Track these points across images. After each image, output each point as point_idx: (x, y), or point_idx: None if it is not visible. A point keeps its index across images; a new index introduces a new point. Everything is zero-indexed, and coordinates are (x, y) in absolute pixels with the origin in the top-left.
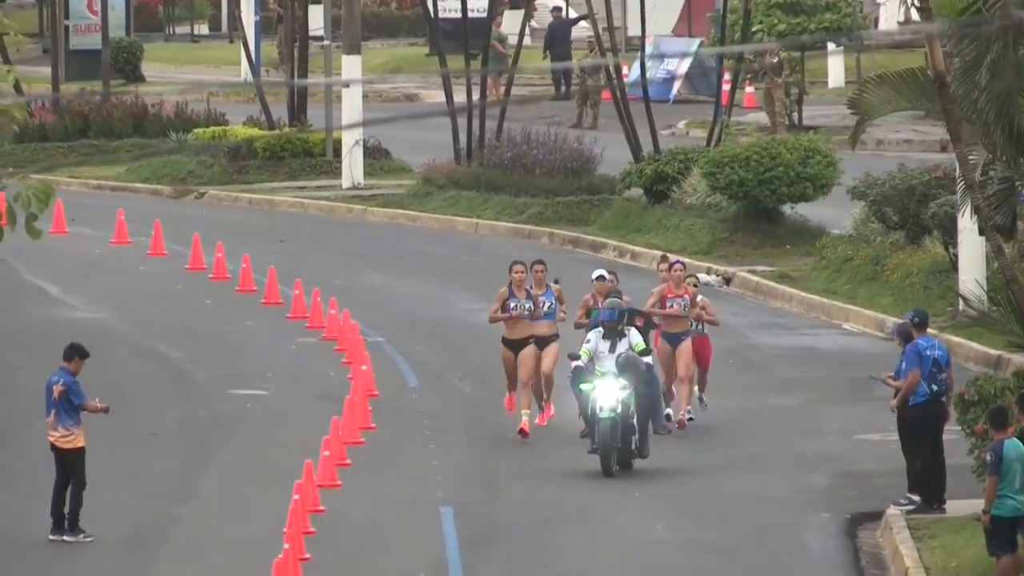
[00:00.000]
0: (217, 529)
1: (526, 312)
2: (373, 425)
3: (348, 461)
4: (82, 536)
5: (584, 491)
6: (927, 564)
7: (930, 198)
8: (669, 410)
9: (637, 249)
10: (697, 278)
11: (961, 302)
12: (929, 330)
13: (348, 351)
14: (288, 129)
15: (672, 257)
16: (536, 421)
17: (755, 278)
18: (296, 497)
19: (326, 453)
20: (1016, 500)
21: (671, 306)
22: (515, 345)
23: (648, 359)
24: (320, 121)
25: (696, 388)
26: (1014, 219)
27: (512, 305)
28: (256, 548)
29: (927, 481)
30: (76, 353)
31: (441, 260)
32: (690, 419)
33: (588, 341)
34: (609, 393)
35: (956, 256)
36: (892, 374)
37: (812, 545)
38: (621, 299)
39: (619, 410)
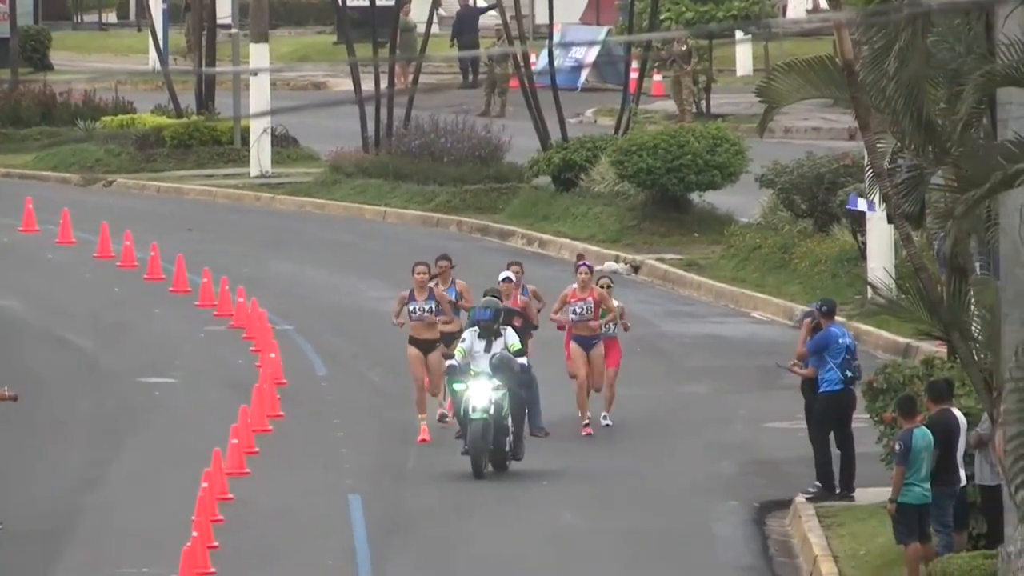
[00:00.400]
0: (126, 517)
1: (426, 314)
2: (281, 413)
3: (256, 449)
4: None
5: (493, 482)
6: (835, 552)
7: (838, 186)
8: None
9: (545, 237)
10: (611, 279)
11: (869, 290)
12: (837, 318)
13: (256, 339)
14: (196, 117)
15: (583, 259)
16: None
17: (663, 266)
18: (204, 485)
19: (234, 441)
20: (922, 488)
21: (574, 310)
22: (422, 345)
23: (523, 360)
24: (228, 109)
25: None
26: (922, 207)
27: (412, 308)
28: (165, 536)
29: (831, 469)
30: None
31: (349, 248)
32: (606, 425)
33: (463, 340)
34: (482, 393)
35: (864, 244)
36: (798, 363)
37: (721, 532)
38: (501, 300)
39: (492, 411)
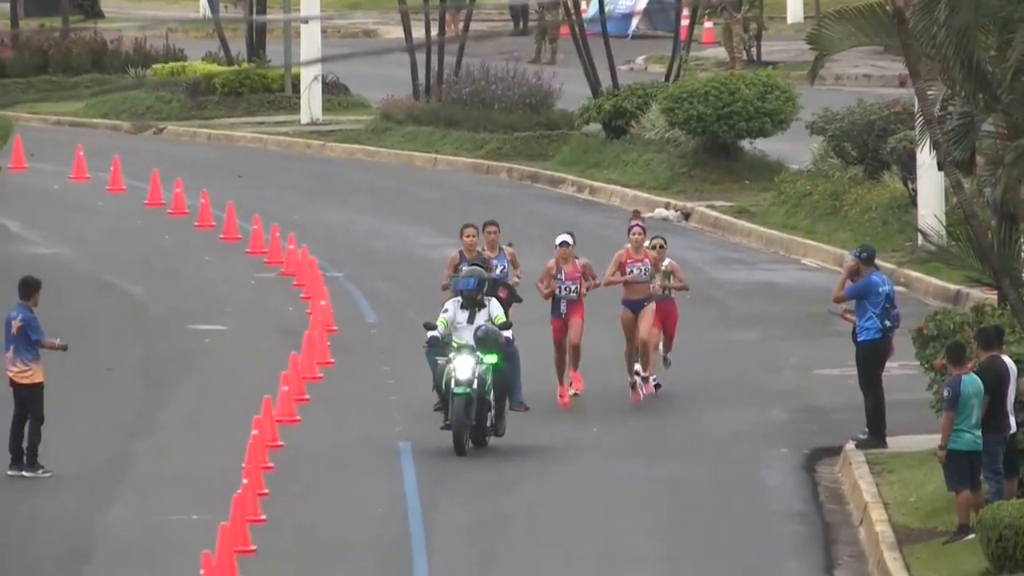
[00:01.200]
0: (176, 464)
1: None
2: (332, 360)
3: (307, 396)
4: (40, 471)
5: (543, 428)
6: (886, 499)
7: (889, 133)
8: (637, 370)
9: (596, 184)
10: (664, 240)
11: (920, 237)
12: (887, 265)
13: (307, 286)
14: (247, 65)
15: (637, 217)
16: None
17: (714, 213)
18: (255, 432)
19: (285, 388)
20: (973, 435)
21: (631, 271)
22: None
23: (508, 333)
24: (279, 57)
25: (661, 349)
26: (973, 154)
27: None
28: (215, 483)
29: (883, 416)
30: (31, 287)
31: (399, 195)
32: (657, 385)
33: (446, 311)
34: (466, 367)
35: (915, 191)
36: (850, 309)
37: (771, 480)
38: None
39: (475, 385)
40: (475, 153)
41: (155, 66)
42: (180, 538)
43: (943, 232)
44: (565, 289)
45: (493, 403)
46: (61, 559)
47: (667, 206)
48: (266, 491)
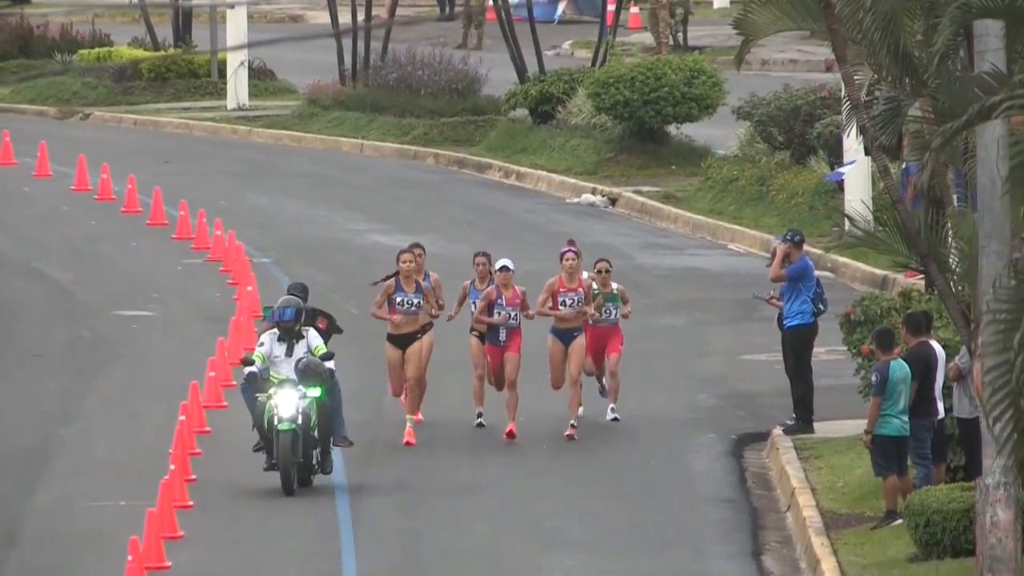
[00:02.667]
0: (103, 450)
1: (414, 308)
2: None
3: (233, 382)
4: None
5: (467, 415)
6: (813, 484)
7: (815, 118)
8: (573, 423)
9: (523, 170)
10: (609, 263)
11: (847, 222)
12: (814, 250)
13: (234, 272)
14: (173, 50)
15: (572, 245)
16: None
17: (640, 198)
18: (182, 418)
19: (212, 374)
20: (900, 420)
21: (563, 302)
22: (401, 341)
23: (331, 364)
24: (205, 42)
25: (599, 376)
26: (899, 139)
27: (399, 300)
28: (142, 469)
29: (811, 401)
30: None
31: (327, 181)
32: (614, 419)
33: (262, 344)
34: (289, 402)
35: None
36: (775, 294)
37: (698, 465)
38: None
39: (300, 421)
40: (402, 139)
41: (81, 51)
42: (107, 524)
43: (870, 217)
44: (506, 315)
45: (318, 439)
46: None
47: (594, 191)
48: (193, 477)
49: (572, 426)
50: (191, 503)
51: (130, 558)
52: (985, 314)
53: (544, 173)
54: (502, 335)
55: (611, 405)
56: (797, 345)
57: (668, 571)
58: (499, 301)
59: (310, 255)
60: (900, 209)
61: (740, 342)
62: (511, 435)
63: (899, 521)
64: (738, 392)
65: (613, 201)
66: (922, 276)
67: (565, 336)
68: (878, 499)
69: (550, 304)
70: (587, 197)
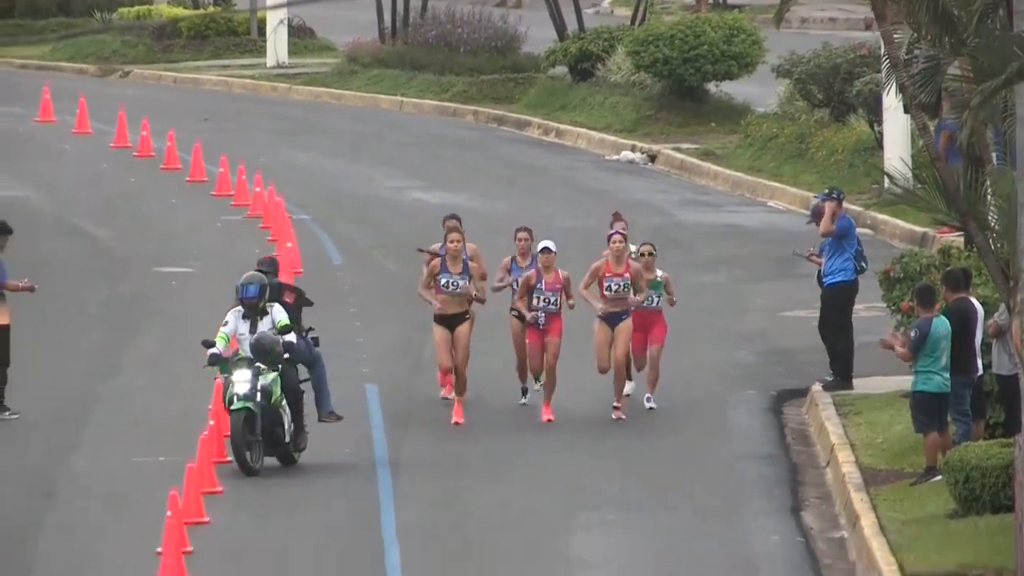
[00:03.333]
0: (141, 406)
1: (459, 289)
2: None
3: None
4: (7, 414)
5: (508, 370)
6: (852, 440)
7: (855, 76)
8: (628, 390)
9: (562, 127)
10: (653, 247)
11: (886, 180)
12: (853, 207)
13: (273, 228)
14: (213, 8)
15: (619, 219)
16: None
17: (680, 155)
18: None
19: None
20: (942, 377)
21: (608, 287)
22: (449, 321)
23: (291, 337)
24: (244, 1)
25: (637, 372)
26: (939, 97)
27: (443, 281)
28: (181, 425)
29: (851, 358)
30: None
31: (365, 138)
32: (650, 408)
33: (226, 323)
34: (244, 381)
35: (881, 134)
36: (815, 251)
37: (738, 422)
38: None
39: (259, 398)
40: (441, 96)
41: (121, 10)
42: (146, 479)
43: (909, 175)
44: (544, 300)
45: (289, 416)
46: (27, 501)
47: (633, 148)
48: None
49: (616, 407)
50: (229, 459)
51: (169, 513)
52: None
53: (583, 130)
54: (541, 319)
55: (647, 395)
56: (839, 301)
57: (707, 527)
58: (539, 285)
59: (349, 211)
60: (939, 167)
61: (779, 299)
62: (549, 420)
63: (938, 477)
64: (777, 348)
65: (652, 158)
66: (958, 233)
67: (612, 319)
68: (917, 455)
69: (595, 291)
70: (626, 154)
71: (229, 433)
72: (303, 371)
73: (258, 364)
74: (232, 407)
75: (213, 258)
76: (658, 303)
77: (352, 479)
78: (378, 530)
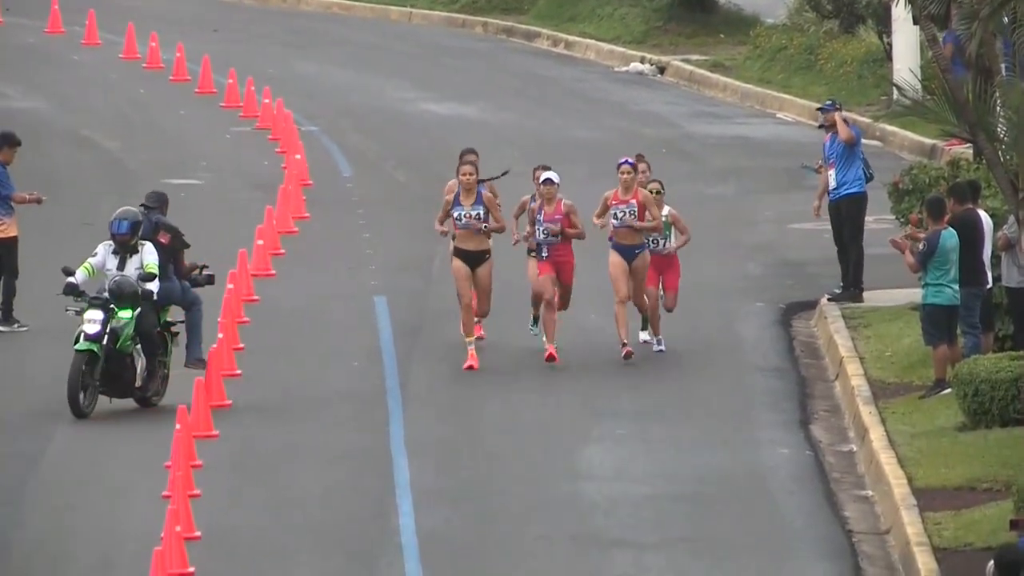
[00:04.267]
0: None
1: (474, 221)
2: (307, 214)
3: (282, 250)
4: (16, 325)
5: (518, 281)
6: (861, 353)
7: None
8: (644, 335)
9: (571, 38)
10: (661, 184)
11: (895, 91)
12: (861, 119)
13: (282, 140)
14: None
15: (641, 160)
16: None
17: (689, 67)
18: (230, 286)
19: (260, 242)
20: (952, 289)
21: (614, 215)
22: (469, 258)
23: (153, 285)
24: None
25: (651, 313)
26: (948, 8)
27: (455, 214)
28: None
29: (861, 269)
30: (4, 142)
31: (375, 49)
32: (659, 350)
33: (95, 254)
34: (94, 321)
35: (890, 45)
36: (823, 163)
37: (746, 334)
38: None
39: (104, 342)
40: (450, 7)
41: None
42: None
43: (918, 86)
44: (544, 232)
45: (143, 360)
46: (34, 414)
47: (642, 60)
48: (241, 345)
49: (624, 344)
50: (239, 371)
51: (178, 426)
52: None
53: (593, 42)
54: (544, 251)
55: (657, 336)
56: (852, 213)
57: (716, 439)
58: (538, 216)
59: (358, 123)
60: (948, 78)
61: (788, 211)
62: (551, 357)
63: (948, 390)
64: (786, 260)
65: (662, 70)
66: (966, 144)
67: (626, 252)
68: (926, 368)
69: (603, 219)
70: (636, 66)
71: (70, 373)
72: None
73: (112, 306)
74: (77, 346)
75: (222, 170)
76: (666, 245)
77: (361, 391)
78: (387, 442)
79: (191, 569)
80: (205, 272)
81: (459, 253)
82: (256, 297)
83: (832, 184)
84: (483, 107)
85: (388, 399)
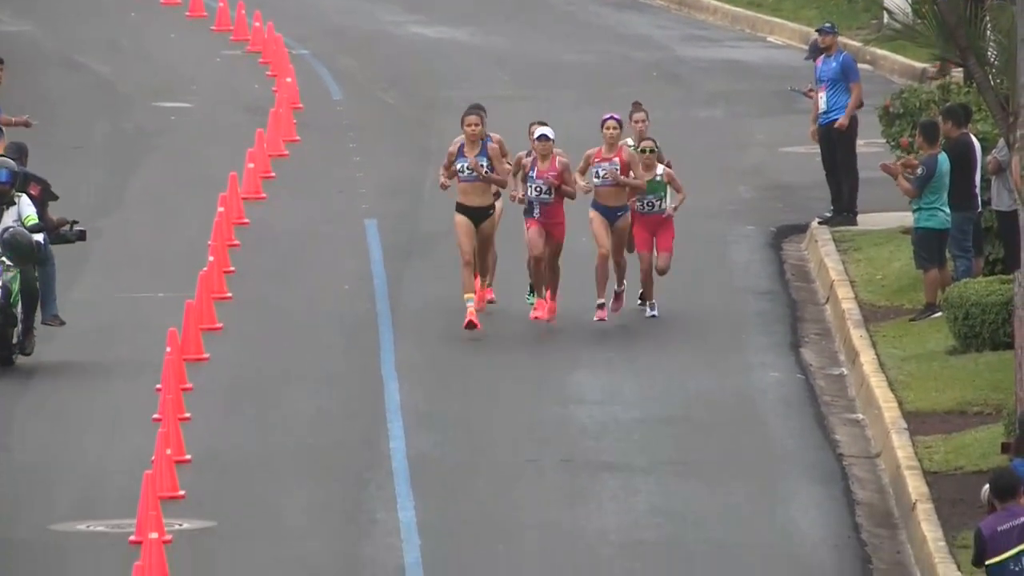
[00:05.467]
0: (142, 242)
1: (478, 176)
2: (298, 138)
3: (273, 174)
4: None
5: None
6: (852, 276)
7: None
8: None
9: None
10: (655, 142)
11: (886, 15)
12: (852, 43)
13: (273, 63)
14: None
15: (639, 108)
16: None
17: None
18: (221, 209)
19: (251, 165)
20: (944, 213)
21: (595, 173)
22: (472, 213)
23: (39, 236)
24: None
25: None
26: None
27: (458, 166)
28: (181, 260)
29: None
30: None
31: None
32: (652, 315)
33: None
34: None
35: None
36: (812, 86)
37: (737, 257)
38: None
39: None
40: None
41: None
42: (146, 315)
43: (909, 10)
44: (536, 189)
45: (21, 317)
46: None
47: None
48: (232, 268)
49: (600, 306)
50: (230, 295)
51: (168, 349)
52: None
53: None
54: (536, 210)
55: (650, 301)
56: (843, 137)
57: (706, 361)
58: (531, 173)
59: (348, 46)
60: (939, 2)
61: (779, 134)
62: (537, 317)
63: (938, 314)
64: (777, 184)
65: None
66: (956, 69)
67: (608, 213)
68: (916, 291)
69: (582, 178)
70: None
71: None
72: None
73: (2, 259)
74: None
75: (213, 93)
76: (659, 208)
77: (351, 315)
78: (377, 366)
79: (182, 492)
80: (75, 228)
81: (461, 208)
82: (247, 220)
83: (822, 108)
84: (473, 31)
85: (379, 323)
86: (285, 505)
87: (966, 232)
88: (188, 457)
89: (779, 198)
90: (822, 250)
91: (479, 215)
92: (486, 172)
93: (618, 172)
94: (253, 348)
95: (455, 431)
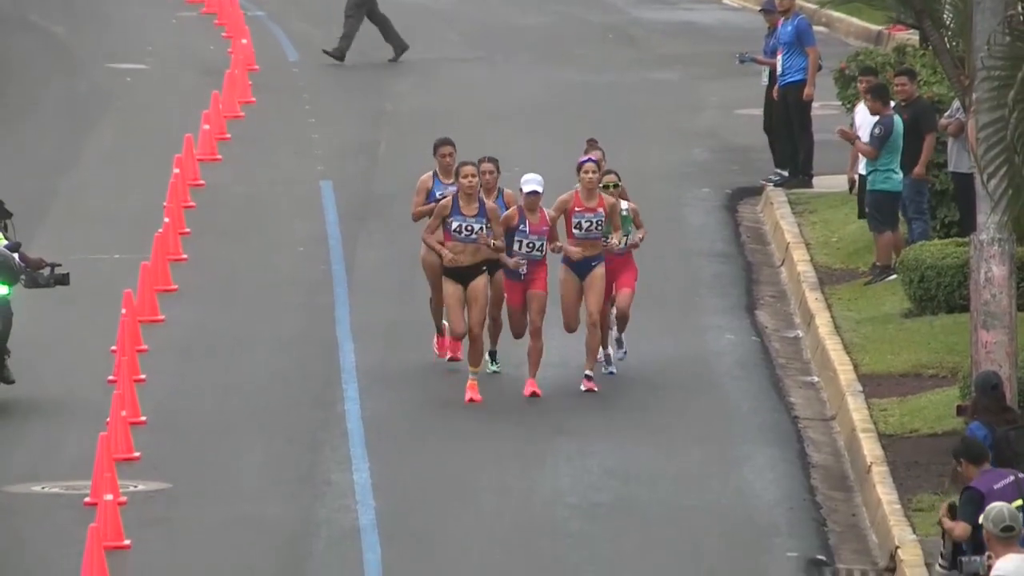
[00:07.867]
0: (97, 203)
1: (473, 236)
2: (253, 99)
3: (228, 135)
4: None
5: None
6: (807, 239)
7: None
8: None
9: None
10: (618, 176)
11: None
12: (809, 5)
13: (228, 25)
14: None
15: (594, 147)
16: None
17: None
18: (176, 171)
19: (206, 127)
20: (898, 175)
21: (577, 225)
22: (460, 275)
23: (15, 254)
24: None
25: (613, 328)
26: None
27: (455, 225)
28: (136, 221)
29: (811, 156)
30: None
31: None
32: (609, 373)
33: None
34: None
35: None
36: (761, 54)
37: (692, 219)
38: None
39: None
40: None
41: None
42: (102, 276)
43: None
44: (528, 245)
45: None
46: None
47: None
48: (187, 230)
49: (588, 377)
50: (185, 256)
51: (124, 311)
52: (979, 71)
53: None
54: (523, 268)
55: (617, 336)
56: (798, 100)
57: (661, 326)
58: (522, 228)
59: (305, 8)
60: None
61: (734, 96)
62: (534, 394)
63: (893, 276)
64: (732, 146)
65: None
66: (911, 30)
67: (581, 266)
68: (871, 254)
69: (563, 238)
70: None
71: None
72: None
73: None
74: None
75: (168, 55)
76: (624, 245)
77: (307, 276)
78: (332, 327)
79: (137, 453)
80: (57, 271)
81: (451, 273)
82: (202, 182)
83: (778, 70)
84: None
85: (334, 284)
86: (240, 466)
87: (922, 194)
88: (143, 419)
89: (734, 160)
90: (777, 212)
91: (470, 275)
92: (493, 242)
93: (616, 243)
94: (208, 310)
95: (410, 393)
